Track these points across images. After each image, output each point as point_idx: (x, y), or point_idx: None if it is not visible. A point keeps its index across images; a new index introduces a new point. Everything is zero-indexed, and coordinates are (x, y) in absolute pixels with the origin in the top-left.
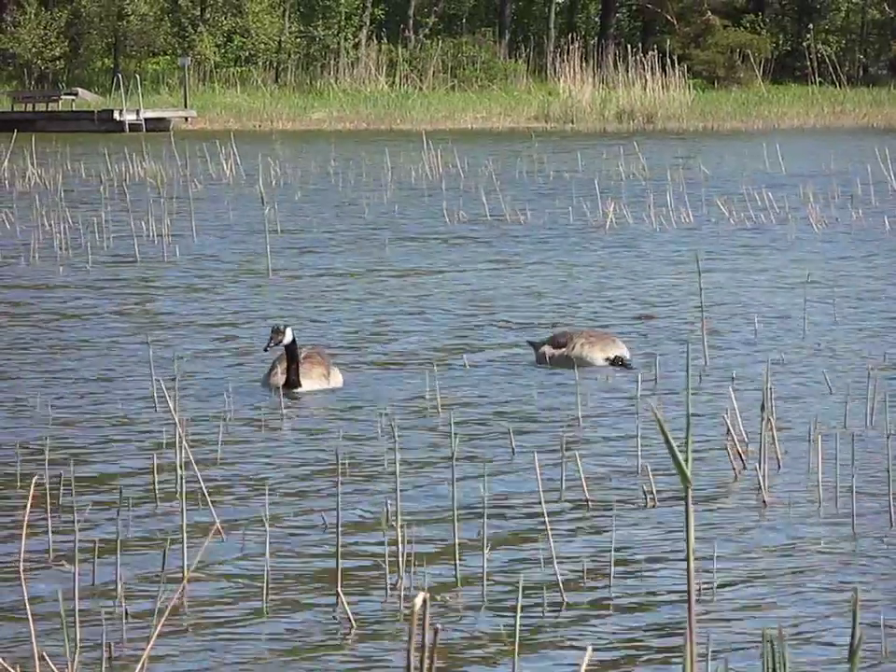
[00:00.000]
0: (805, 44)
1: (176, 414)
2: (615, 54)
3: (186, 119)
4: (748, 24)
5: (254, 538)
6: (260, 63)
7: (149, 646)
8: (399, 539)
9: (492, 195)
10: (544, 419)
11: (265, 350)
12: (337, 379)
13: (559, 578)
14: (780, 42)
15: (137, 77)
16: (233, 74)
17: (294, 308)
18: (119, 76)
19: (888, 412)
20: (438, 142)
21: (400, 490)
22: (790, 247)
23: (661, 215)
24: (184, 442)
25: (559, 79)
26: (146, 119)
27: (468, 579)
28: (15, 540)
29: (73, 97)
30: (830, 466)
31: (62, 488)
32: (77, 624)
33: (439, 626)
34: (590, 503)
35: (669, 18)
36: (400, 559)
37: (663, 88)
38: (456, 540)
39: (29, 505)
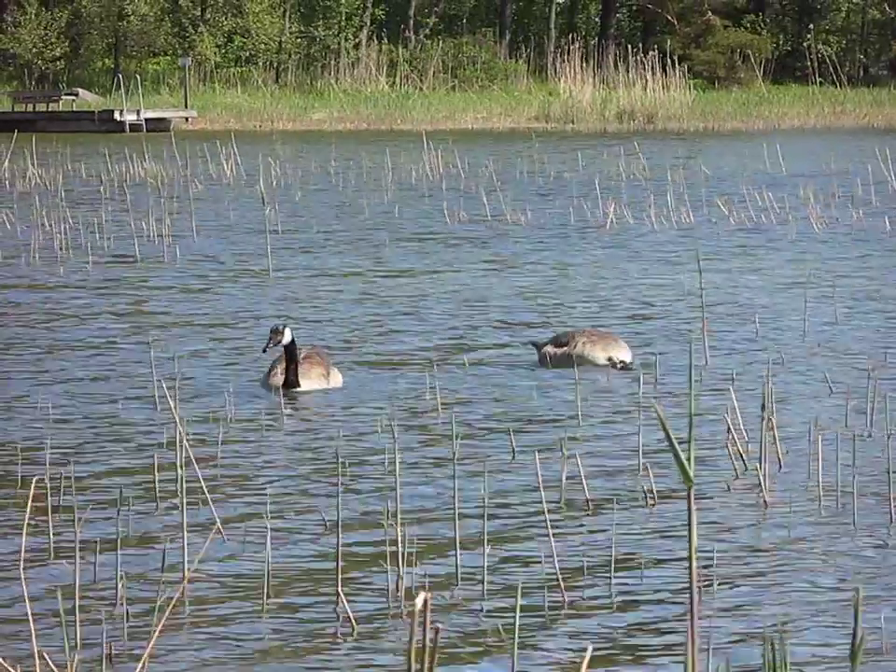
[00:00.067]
0: (805, 44)
1: (177, 414)
2: (615, 54)
3: (186, 119)
4: (748, 24)
5: (254, 537)
6: (261, 64)
7: (149, 646)
8: (400, 538)
9: (492, 195)
10: (544, 418)
11: (263, 351)
12: (336, 379)
13: (559, 576)
14: (781, 42)
15: (138, 77)
16: (234, 74)
17: (294, 308)
18: (120, 76)
19: (888, 412)
20: (438, 142)
21: (400, 489)
22: (790, 247)
23: (661, 215)
24: (184, 442)
25: (559, 80)
26: (146, 120)
27: (468, 578)
28: (15, 540)
29: (73, 97)
30: (830, 466)
31: (62, 488)
32: (77, 624)
33: (439, 626)
34: (590, 502)
35: (670, 18)
36: (401, 559)
37: (663, 88)
38: (457, 540)
39: (29, 504)
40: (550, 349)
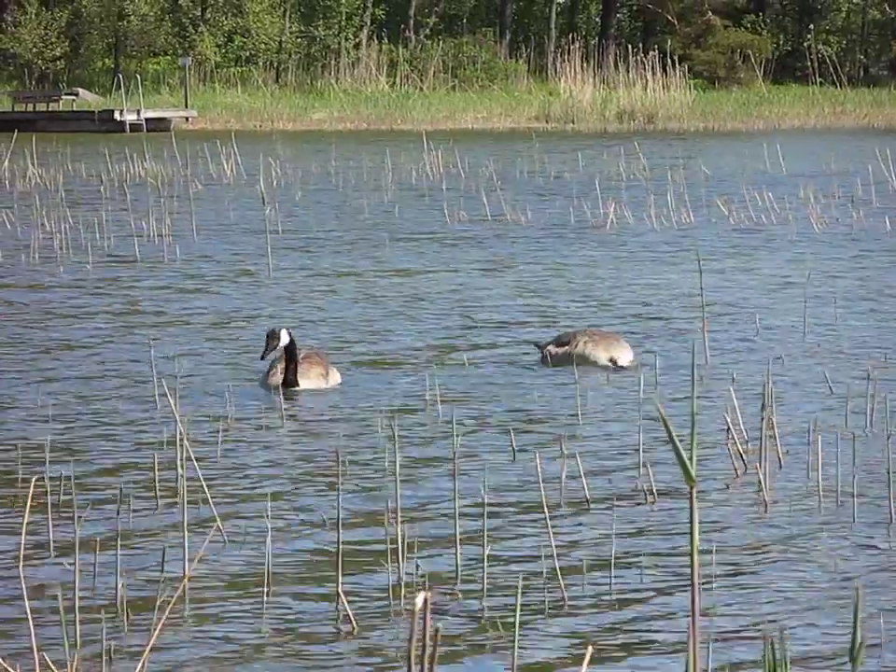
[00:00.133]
0: (805, 44)
1: (177, 413)
2: (616, 54)
3: (186, 119)
4: (748, 25)
5: (254, 536)
6: (261, 64)
7: (149, 645)
8: (400, 537)
9: (492, 195)
10: (544, 417)
11: (262, 358)
12: (335, 379)
13: (560, 575)
14: (781, 42)
15: (138, 77)
16: (234, 74)
17: (294, 308)
18: (120, 76)
19: (888, 412)
20: (438, 142)
21: (401, 489)
22: (790, 247)
23: (661, 215)
24: (184, 441)
25: (560, 80)
26: (146, 120)
27: (468, 577)
28: (15, 539)
29: (73, 97)
30: (830, 466)
31: (62, 487)
32: (77, 624)
33: (440, 625)
34: (590, 501)
35: (670, 18)
36: (401, 558)
37: (663, 88)
38: (457, 539)
39: (29, 504)
40: (552, 349)
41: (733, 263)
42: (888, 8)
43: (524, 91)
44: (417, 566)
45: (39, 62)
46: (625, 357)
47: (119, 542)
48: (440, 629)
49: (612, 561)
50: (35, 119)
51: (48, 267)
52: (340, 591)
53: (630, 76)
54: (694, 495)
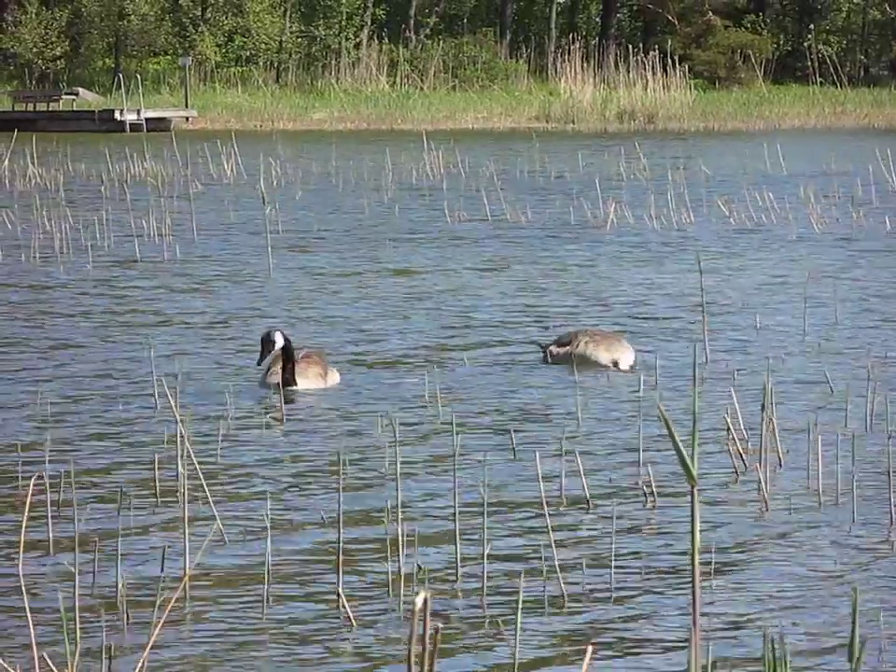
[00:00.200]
0: (805, 44)
1: (177, 412)
2: (616, 54)
3: (187, 118)
4: (749, 25)
5: (254, 536)
6: (261, 63)
7: (149, 645)
8: (400, 538)
9: (492, 195)
10: (545, 417)
11: (258, 364)
12: (334, 379)
13: (560, 575)
14: (781, 42)
15: (138, 76)
16: (234, 74)
17: (294, 307)
18: (120, 75)
19: (888, 412)
20: (439, 142)
21: (401, 489)
22: (790, 247)
23: (661, 215)
24: (185, 441)
25: (560, 80)
26: (146, 119)
27: (468, 577)
28: (14, 539)
29: (74, 97)
30: (830, 466)
31: (61, 487)
32: (77, 624)
33: (439, 625)
34: (590, 501)
35: (670, 18)
36: (401, 558)
37: (664, 88)
38: (457, 539)
39: (28, 504)
40: (553, 349)
41: (733, 263)
42: (888, 8)
43: (524, 90)
44: (417, 565)
45: (39, 61)
46: (627, 359)
47: (119, 541)
48: (439, 629)
49: (612, 559)
50: (35, 119)
51: (48, 267)
52: (340, 591)
53: (630, 76)
54: (696, 494)
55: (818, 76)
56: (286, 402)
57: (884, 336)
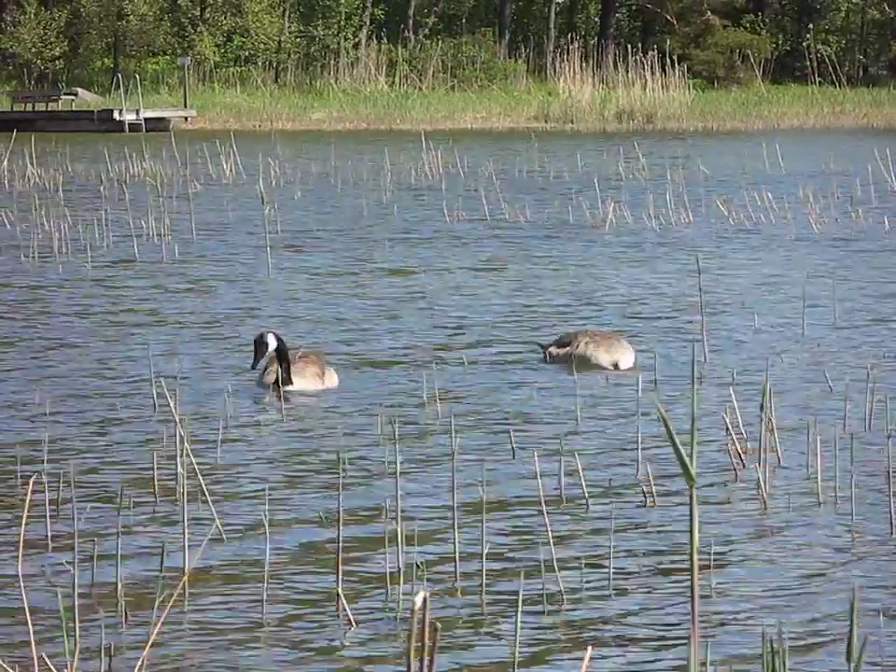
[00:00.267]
0: (804, 44)
1: (176, 412)
2: (615, 54)
3: (185, 118)
4: (747, 24)
5: (254, 537)
6: (260, 63)
7: (148, 644)
8: (399, 537)
9: (491, 195)
10: (543, 416)
11: (252, 368)
12: (332, 379)
13: (559, 576)
14: (780, 42)
15: (137, 76)
16: (233, 74)
17: (293, 307)
18: (119, 75)
19: (887, 412)
20: (437, 142)
21: (400, 489)
22: (789, 247)
23: (660, 215)
24: (185, 441)
25: (559, 79)
26: (145, 119)
27: (467, 577)
28: (14, 540)
29: (72, 97)
30: (829, 465)
31: (61, 487)
32: (77, 624)
33: (439, 625)
34: (589, 500)
35: (669, 18)
36: (400, 558)
37: (662, 88)
38: (456, 539)
39: (28, 504)
40: (553, 350)
41: (731, 263)
42: (887, 8)
43: (523, 90)
44: (416, 563)
45: (38, 61)
46: (627, 359)
47: (118, 540)
48: (439, 627)
49: (611, 558)
50: (34, 119)
51: (46, 267)
52: (340, 592)
53: (629, 75)
54: (695, 494)
55: (816, 75)
56: (285, 402)
57: (882, 336)
